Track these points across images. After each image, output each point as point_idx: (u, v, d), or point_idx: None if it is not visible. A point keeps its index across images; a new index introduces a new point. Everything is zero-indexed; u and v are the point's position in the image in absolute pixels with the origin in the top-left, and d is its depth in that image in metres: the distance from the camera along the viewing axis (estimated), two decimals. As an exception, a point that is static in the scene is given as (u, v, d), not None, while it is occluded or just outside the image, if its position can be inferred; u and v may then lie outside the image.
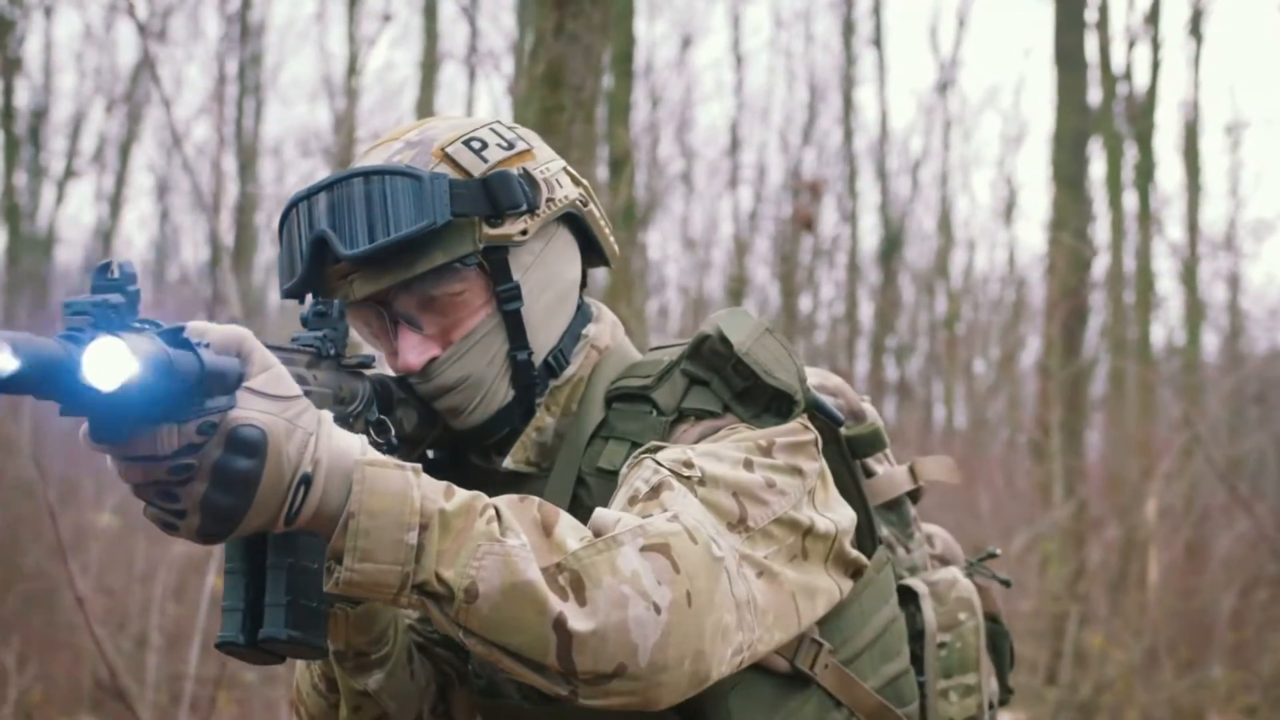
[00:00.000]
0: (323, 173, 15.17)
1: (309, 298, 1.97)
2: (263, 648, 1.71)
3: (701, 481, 1.79)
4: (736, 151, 16.44)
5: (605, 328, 2.10)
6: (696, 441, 1.89)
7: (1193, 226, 14.95)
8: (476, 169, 1.95)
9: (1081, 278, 10.61)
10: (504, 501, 1.64)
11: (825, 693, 1.96)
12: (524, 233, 1.96)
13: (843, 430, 2.11)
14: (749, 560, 1.79)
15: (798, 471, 1.88)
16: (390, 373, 2.02)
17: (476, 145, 1.97)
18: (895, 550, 2.24)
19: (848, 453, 2.10)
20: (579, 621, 1.57)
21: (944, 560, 2.36)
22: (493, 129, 2.01)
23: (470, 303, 1.97)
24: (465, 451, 2.11)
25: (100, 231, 16.65)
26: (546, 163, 2.01)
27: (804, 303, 16.39)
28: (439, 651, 2.11)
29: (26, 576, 9.57)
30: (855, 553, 1.98)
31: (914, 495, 2.33)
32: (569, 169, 2.06)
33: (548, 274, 2.02)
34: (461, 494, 1.62)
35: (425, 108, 14.66)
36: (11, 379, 1.30)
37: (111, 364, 1.37)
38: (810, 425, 1.94)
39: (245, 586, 1.72)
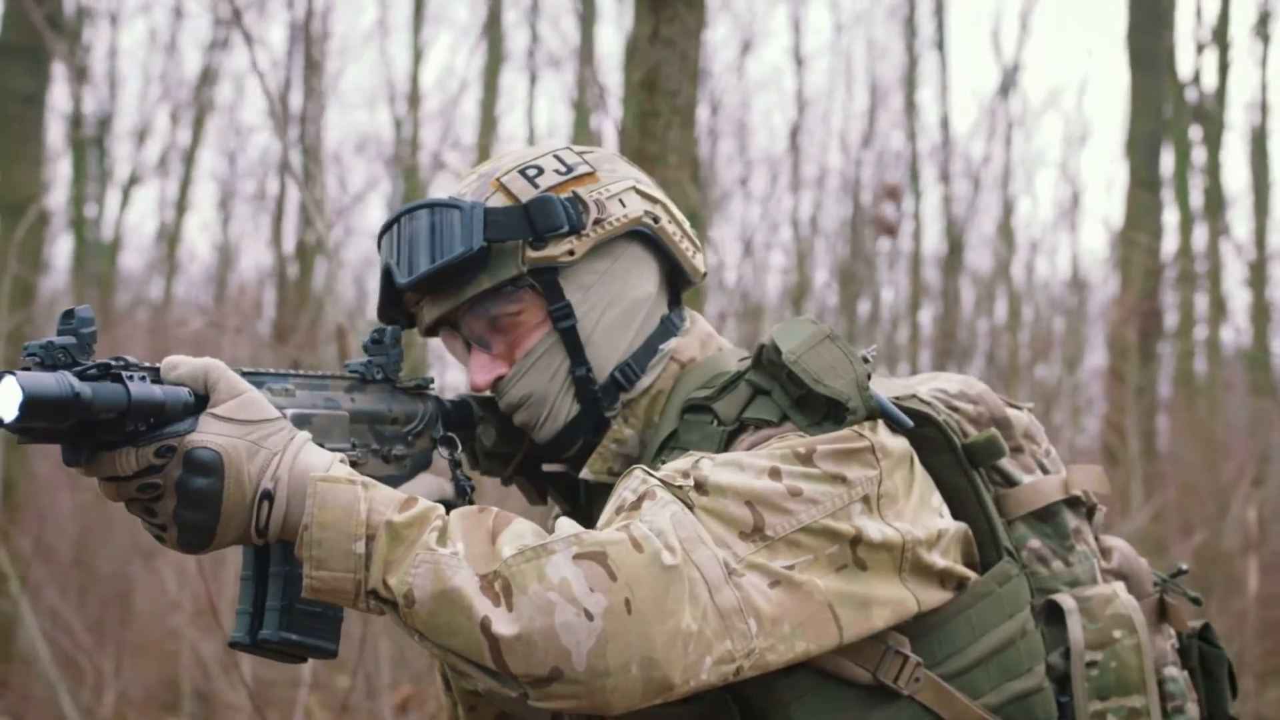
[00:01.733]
0: (382, 179, 15.28)
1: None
2: (263, 647, 1.89)
3: (703, 491, 1.81)
4: (797, 154, 16.41)
5: (692, 341, 2.16)
6: (748, 450, 1.92)
7: (1261, 229, 14.83)
8: (525, 195, 2.05)
9: (1157, 281, 10.55)
10: (459, 513, 1.74)
11: (921, 707, 1.95)
12: (570, 253, 2.06)
13: (954, 437, 2.08)
14: (760, 569, 1.80)
15: (839, 480, 1.88)
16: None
17: (532, 173, 2.08)
18: (1049, 563, 2.18)
19: (964, 460, 2.08)
20: (503, 625, 1.65)
21: (1120, 575, 2.27)
22: (556, 155, 2.10)
23: (527, 322, 2.09)
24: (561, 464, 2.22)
25: (164, 236, 16.76)
26: (609, 184, 2.10)
27: (863, 307, 16.35)
28: None
29: (102, 580, 9.64)
30: (946, 563, 1.97)
31: (1085, 507, 2.25)
32: (641, 187, 2.13)
33: (612, 291, 2.10)
34: (420, 506, 1.73)
35: (488, 113, 14.70)
36: None
37: (8, 400, 1.60)
38: (864, 433, 1.92)
39: (254, 592, 1.90)
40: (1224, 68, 13.64)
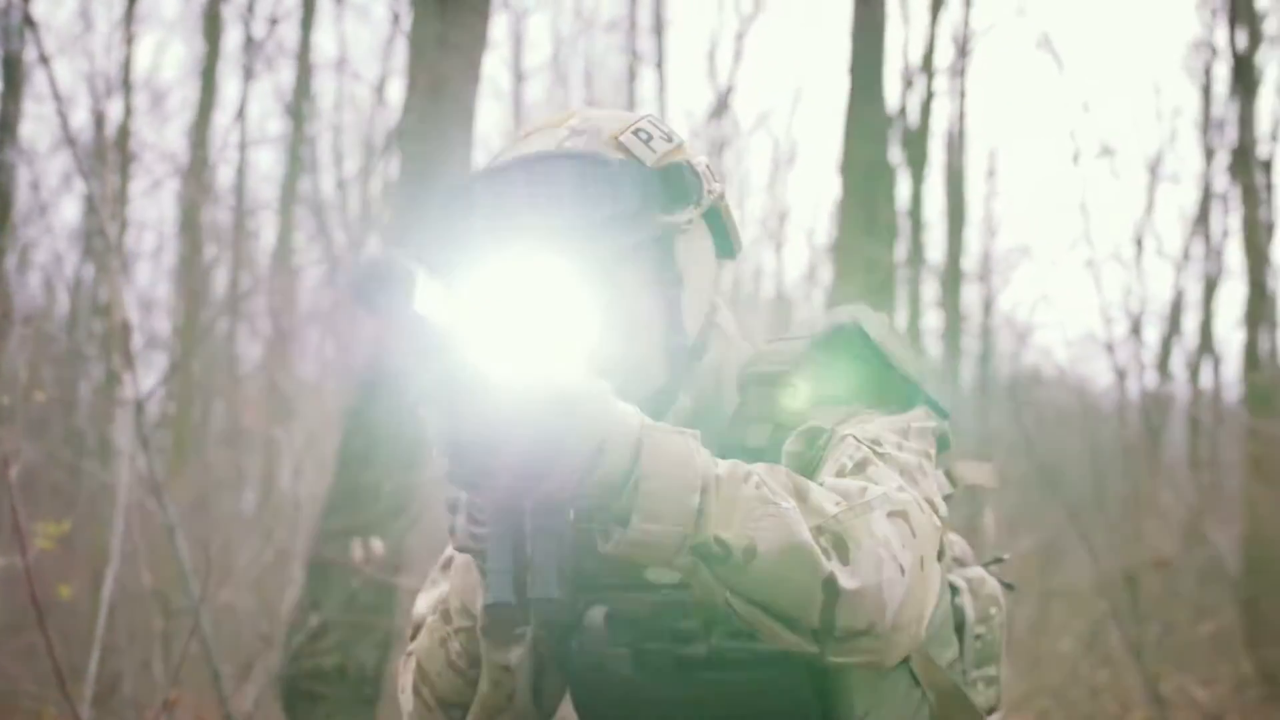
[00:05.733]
0: (77, 176, 14.70)
1: None
2: (531, 607, 1.72)
3: (885, 458, 1.86)
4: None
5: (730, 316, 2.15)
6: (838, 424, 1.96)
7: (954, 253, 15.61)
8: (648, 159, 2.00)
9: (877, 298, 11.00)
10: (765, 468, 1.70)
11: (910, 675, 2.05)
12: (689, 222, 2.01)
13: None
14: None
15: (929, 456, 1.96)
16: None
17: (644, 136, 2.02)
18: None
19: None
20: (847, 580, 1.64)
21: (962, 561, 2.41)
22: (651, 121, 2.06)
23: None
24: None
25: None
26: (697, 156, 2.07)
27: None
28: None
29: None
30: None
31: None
32: (710, 163, 2.12)
33: (699, 262, 2.07)
34: (725, 460, 1.69)
35: (204, 111, 14.38)
36: None
37: None
38: (931, 414, 2.02)
39: (511, 550, 1.72)
40: (928, 100, 14.37)
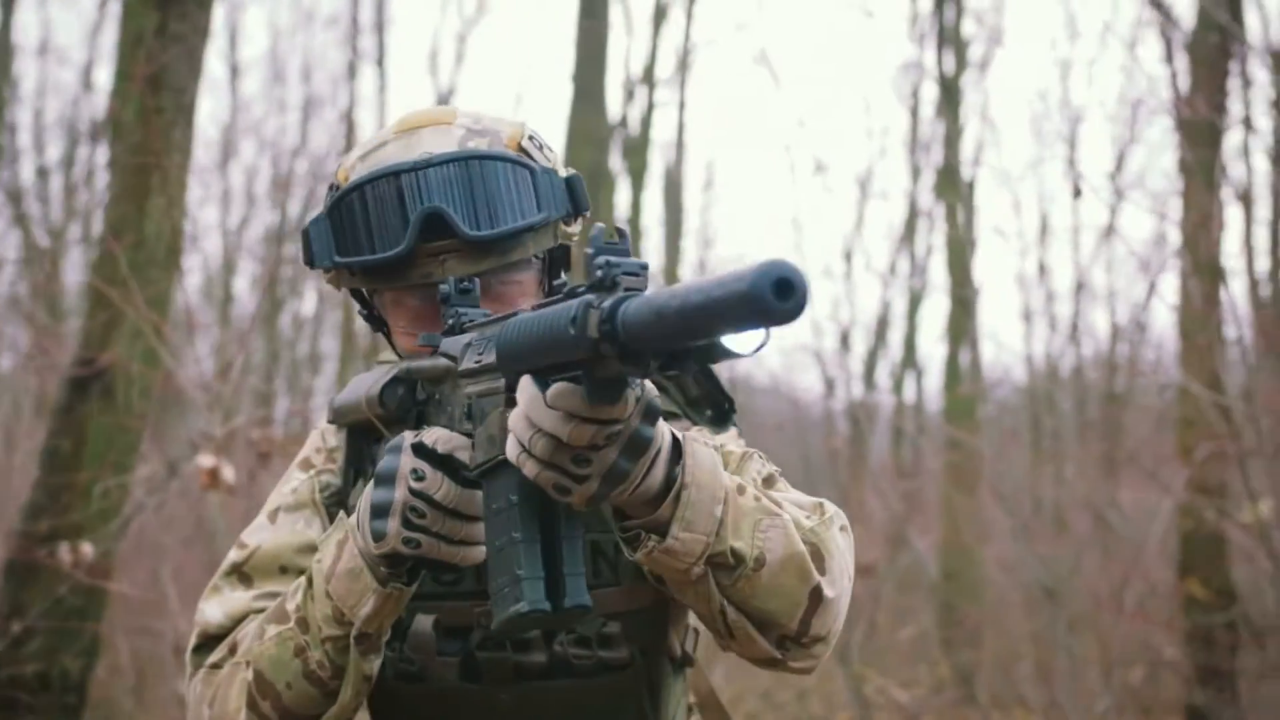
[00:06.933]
0: None
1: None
2: (568, 615, 1.64)
3: (781, 475, 1.96)
4: (228, 163, 16.18)
5: None
6: None
7: (671, 262, 15.86)
8: (546, 167, 1.97)
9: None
10: (748, 482, 1.76)
11: (684, 679, 2.12)
12: (576, 235, 1.99)
13: None
14: None
15: None
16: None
17: (537, 144, 1.99)
18: None
19: None
20: (829, 589, 1.72)
21: None
22: (532, 129, 2.02)
23: (525, 295, 1.95)
24: None
25: None
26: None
27: (284, 319, 16.28)
28: None
29: None
30: None
31: None
32: None
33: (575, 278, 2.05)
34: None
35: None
36: None
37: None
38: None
39: (543, 556, 1.63)
40: (649, 110, 14.58)
